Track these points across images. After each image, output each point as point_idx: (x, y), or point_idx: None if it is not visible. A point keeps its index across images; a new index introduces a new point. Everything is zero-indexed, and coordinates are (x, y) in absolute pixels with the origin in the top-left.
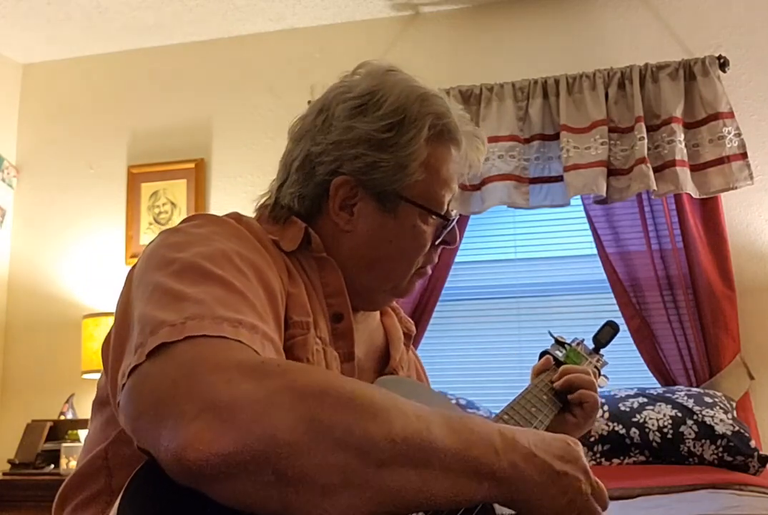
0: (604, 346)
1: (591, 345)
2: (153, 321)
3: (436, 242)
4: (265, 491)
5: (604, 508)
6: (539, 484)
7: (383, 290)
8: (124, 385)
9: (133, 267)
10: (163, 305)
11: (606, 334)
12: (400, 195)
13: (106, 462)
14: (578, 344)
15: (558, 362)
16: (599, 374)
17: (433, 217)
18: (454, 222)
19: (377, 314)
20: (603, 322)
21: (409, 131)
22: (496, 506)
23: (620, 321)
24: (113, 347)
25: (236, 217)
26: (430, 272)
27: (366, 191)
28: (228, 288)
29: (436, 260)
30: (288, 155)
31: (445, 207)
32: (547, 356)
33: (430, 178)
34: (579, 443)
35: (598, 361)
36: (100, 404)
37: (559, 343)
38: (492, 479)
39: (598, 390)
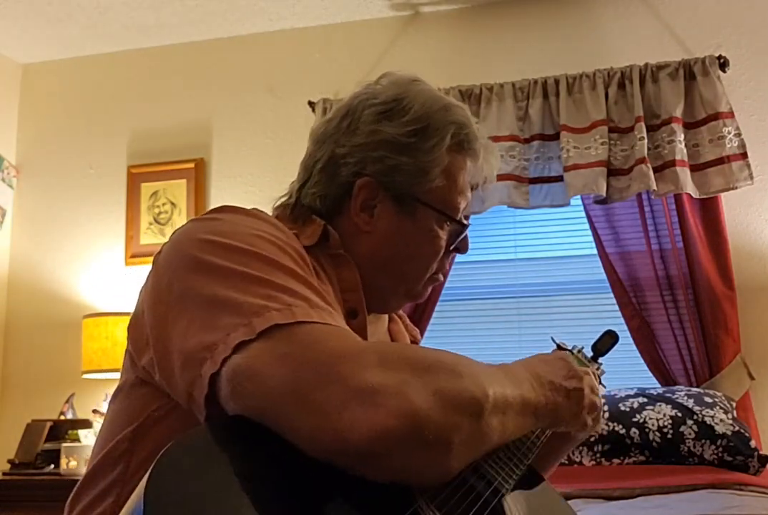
0: (602, 355)
1: (589, 353)
2: (250, 304)
3: (450, 249)
4: (408, 458)
5: (598, 394)
6: (561, 404)
7: (397, 292)
8: (226, 359)
9: (159, 253)
10: (251, 291)
11: (605, 343)
12: (420, 199)
13: (132, 444)
14: (578, 351)
15: None
16: (599, 383)
17: (449, 222)
18: (467, 230)
19: (386, 319)
20: (603, 330)
21: (433, 137)
22: (505, 505)
23: (620, 321)
24: (151, 327)
25: (259, 211)
26: (441, 278)
27: (387, 193)
28: (299, 278)
29: (447, 267)
30: (310, 157)
31: (460, 214)
32: None
33: (448, 185)
34: (567, 354)
35: (597, 369)
36: (129, 387)
37: (561, 349)
38: (535, 412)
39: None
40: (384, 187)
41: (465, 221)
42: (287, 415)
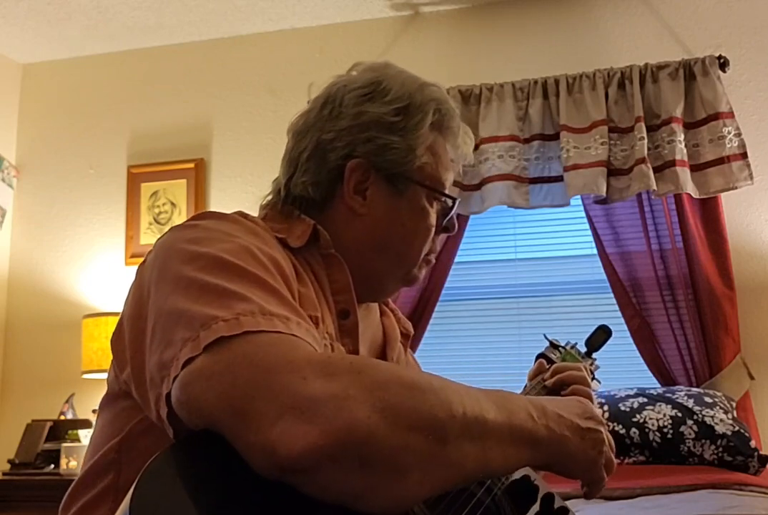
0: (596, 350)
1: (584, 349)
2: (201, 316)
3: (440, 227)
4: (349, 478)
5: (615, 455)
6: (571, 441)
7: (395, 276)
8: (175, 378)
9: (143, 263)
10: (205, 300)
11: (599, 338)
12: (410, 177)
13: (119, 455)
14: (572, 347)
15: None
16: (593, 378)
17: (438, 200)
18: (455, 207)
19: (377, 312)
20: (596, 326)
21: (416, 115)
22: (500, 504)
23: (620, 321)
24: (129, 341)
25: (242, 215)
26: (434, 260)
27: (378, 173)
28: (262, 285)
29: (438, 248)
30: (293, 149)
31: (447, 190)
32: (541, 359)
33: (434, 162)
34: (587, 400)
35: (591, 364)
36: (113, 398)
37: (554, 346)
38: (533, 444)
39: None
40: (375, 167)
41: (453, 195)
42: (225, 430)
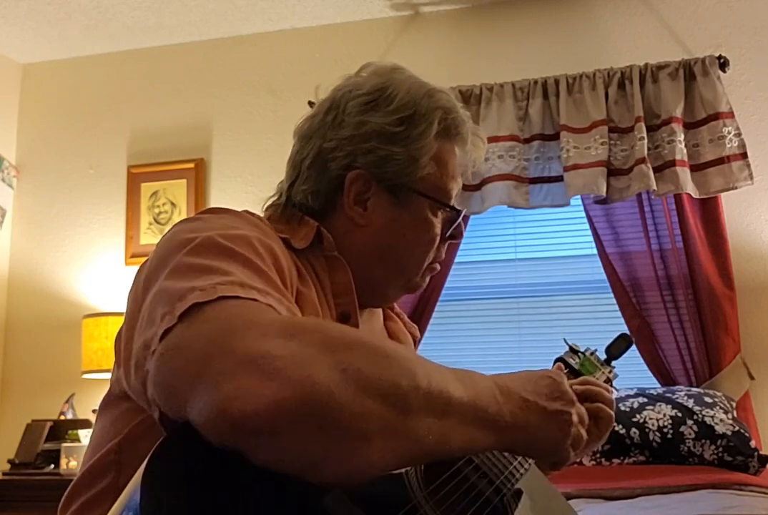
0: (616, 358)
1: (603, 356)
2: (180, 290)
3: (446, 235)
4: (306, 440)
5: (585, 427)
6: (536, 426)
7: (396, 284)
8: (154, 351)
9: (146, 261)
10: (188, 277)
11: (619, 346)
12: (412, 188)
13: (119, 456)
14: (591, 353)
15: (572, 370)
16: (611, 386)
17: (443, 210)
18: (461, 216)
19: (381, 317)
20: (618, 333)
21: (420, 124)
22: (509, 504)
23: (620, 321)
24: (125, 332)
25: (248, 213)
26: (439, 268)
27: (379, 184)
28: (249, 265)
29: (443, 255)
30: (297, 154)
31: (453, 200)
32: (559, 363)
33: (439, 172)
34: (561, 373)
35: (610, 372)
36: (114, 399)
37: (574, 351)
38: (496, 429)
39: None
40: (376, 178)
41: (458, 207)
42: (182, 395)
